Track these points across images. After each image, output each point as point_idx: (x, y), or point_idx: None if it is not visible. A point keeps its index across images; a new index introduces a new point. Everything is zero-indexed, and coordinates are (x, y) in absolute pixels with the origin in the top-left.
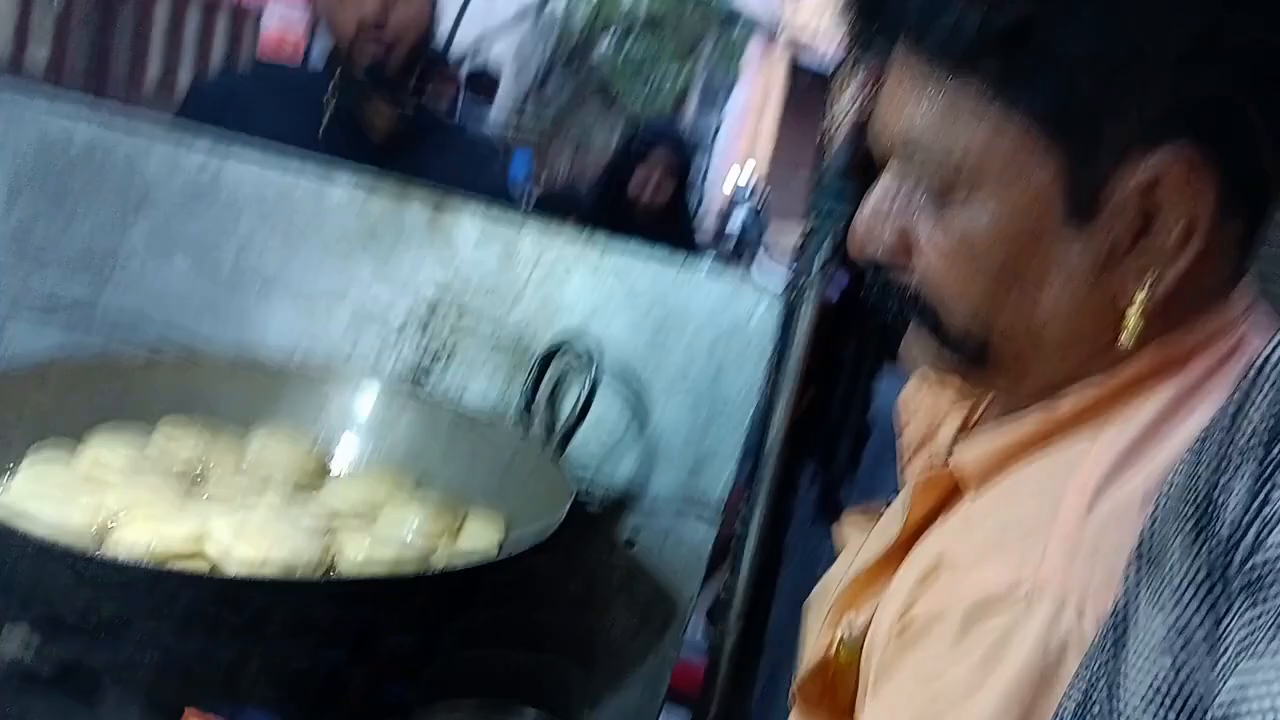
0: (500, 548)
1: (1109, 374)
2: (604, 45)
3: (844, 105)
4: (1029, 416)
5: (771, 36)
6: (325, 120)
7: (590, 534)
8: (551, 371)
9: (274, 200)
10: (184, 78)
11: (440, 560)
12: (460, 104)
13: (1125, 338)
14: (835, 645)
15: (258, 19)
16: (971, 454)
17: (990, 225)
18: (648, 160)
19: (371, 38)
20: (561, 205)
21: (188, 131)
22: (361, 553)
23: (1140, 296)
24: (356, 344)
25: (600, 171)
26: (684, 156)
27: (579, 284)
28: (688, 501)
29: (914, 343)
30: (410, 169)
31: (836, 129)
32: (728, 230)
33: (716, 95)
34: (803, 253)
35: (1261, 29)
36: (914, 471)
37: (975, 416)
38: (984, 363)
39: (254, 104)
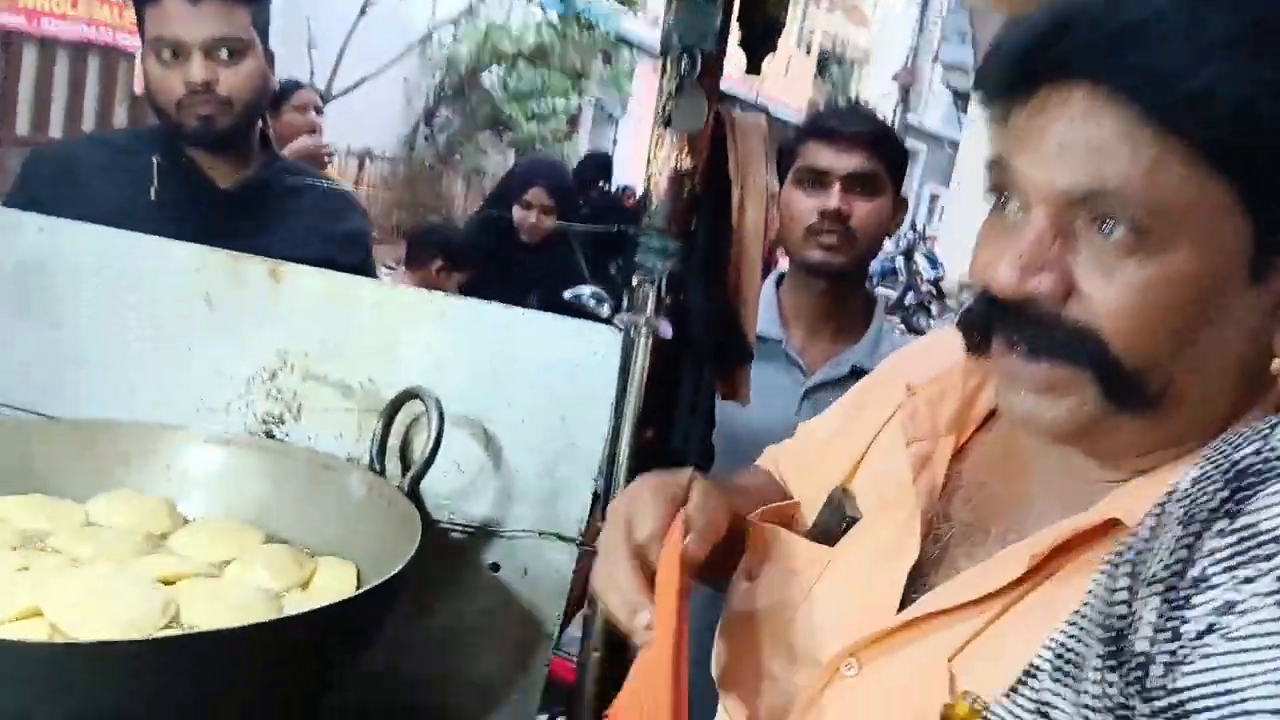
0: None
1: (1241, 423)
2: (492, 76)
3: (661, 161)
4: (1188, 458)
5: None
6: (155, 184)
7: (455, 563)
8: (401, 419)
9: (112, 266)
10: (56, 122)
11: (294, 608)
12: None
13: None
14: (954, 701)
15: (131, 60)
16: (1133, 499)
17: (1181, 277)
18: (524, 200)
19: (200, 100)
20: (433, 242)
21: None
22: (204, 608)
23: None
24: (203, 403)
25: (476, 213)
26: (561, 191)
27: (422, 337)
28: (546, 529)
29: (1036, 391)
30: (259, 223)
31: (654, 184)
32: None
33: (609, 117)
34: (633, 302)
35: None
36: (921, 488)
37: (962, 441)
38: (1143, 404)
39: (89, 175)
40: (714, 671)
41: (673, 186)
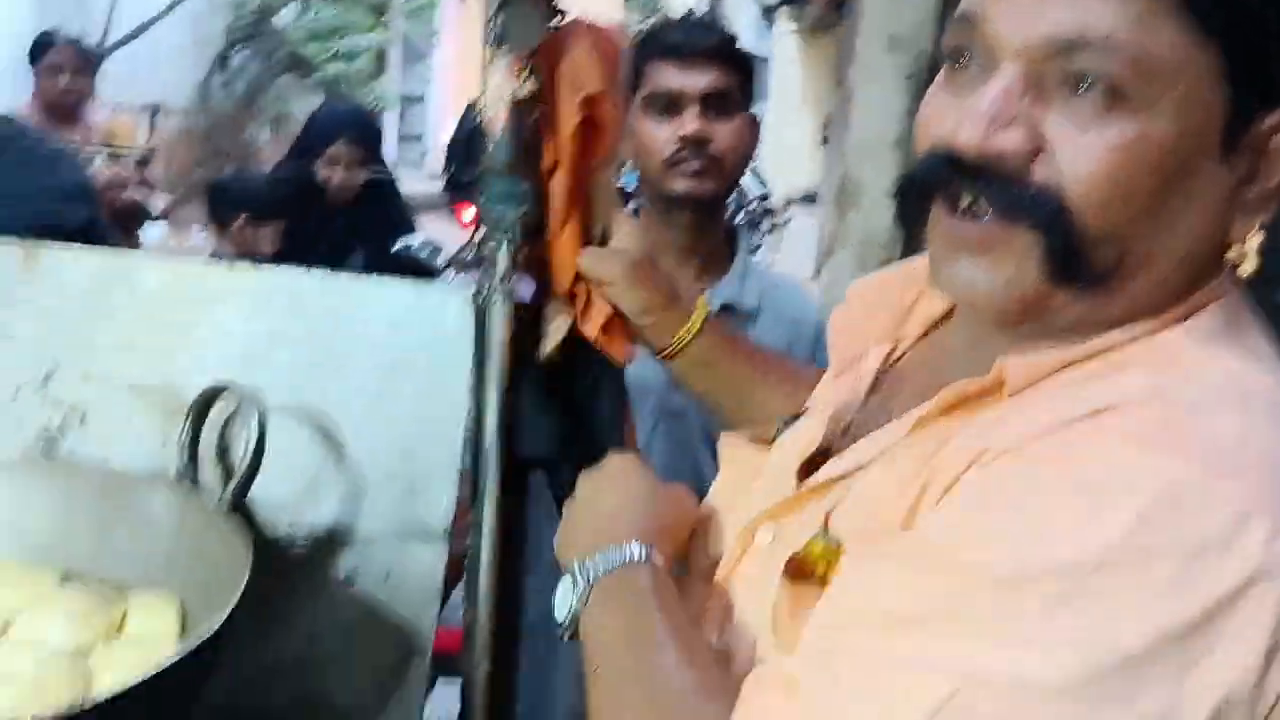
0: (181, 634)
1: (1165, 312)
2: (286, 14)
3: (495, 89)
4: (1091, 342)
5: None
6: None
7: (301, 580)
8: (215, 417)
9: None
10: None
11: (102, 668)
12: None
13: (1246, 268)
14: (816, 539)
15: None
16: (1024, 364)
17: (1157, 143)
18: (327, 157)
19: None
20: (231, 195)
21: None
22: None
23: (1254, 233)
24: None
25: (277, 169)
26: (367, 140)
27: (228, 317)
28: (407, 528)
29: (975, 252)
30: None
31: (492, 118)
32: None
33: (418, 51)
34: (483, 258)
35: None
36: (841, 389)
37: (899, 352)
38: (1088, 280)
39: None
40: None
41: (513, 118)
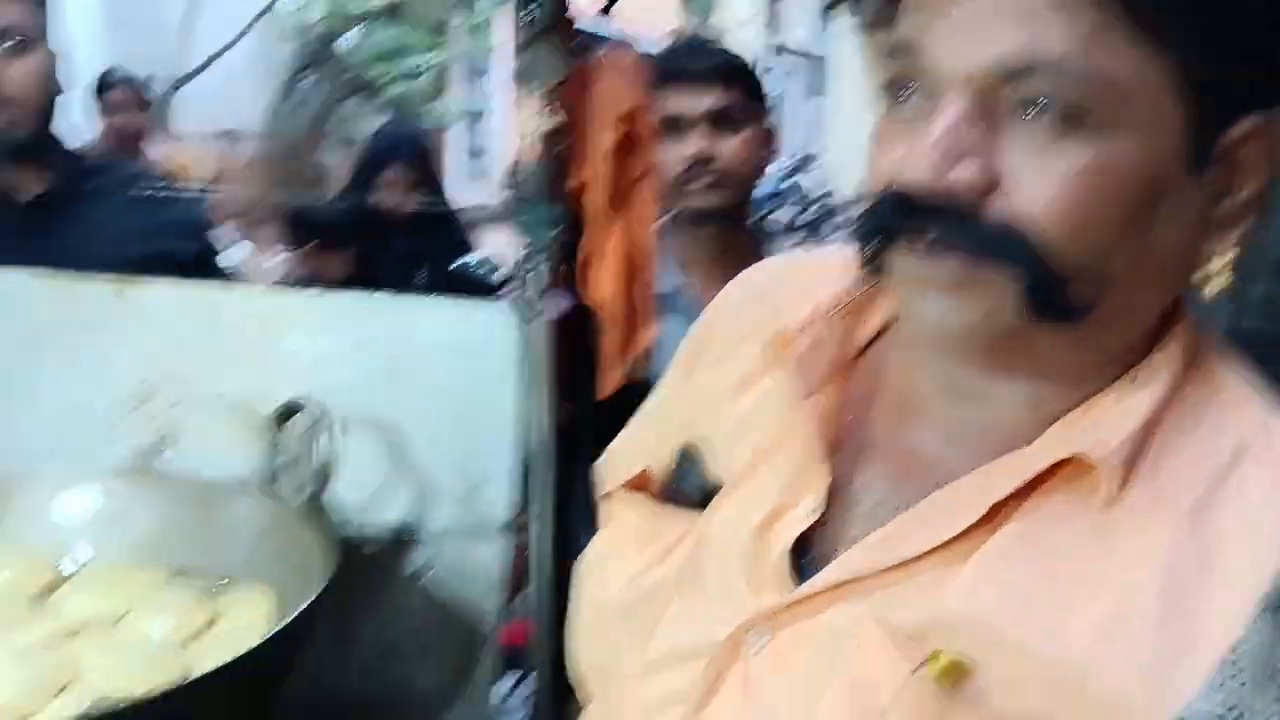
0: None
1: (1169, 333)
2: (349, 39)
3: (532, 121)
4: (1149, 386)
5: None
6: None
7: (374, 578)
8: (291, 431)
9: None
10: None
11: (203, 657)
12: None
13: (1212, 288)
14: (926, 660)
15: None
16: (1114, 444)
17: (1122, 166)
18: (382, 182)
19: None
20: (304, 223)
21: None
22: (103, 669)
23: (1226, 251)
24: (65, 443)
25: (339, 197)
26: (423, 163)
27: (300, 338)
28: (470, 527)
29: (946, 290)
30: (74, 235)
31: (529, 147)
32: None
33: (479, 68)
34: (523, 279)
35: None
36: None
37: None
38: (1067, 315)
39: None
40: (572, 675)
41: (541, 149)
